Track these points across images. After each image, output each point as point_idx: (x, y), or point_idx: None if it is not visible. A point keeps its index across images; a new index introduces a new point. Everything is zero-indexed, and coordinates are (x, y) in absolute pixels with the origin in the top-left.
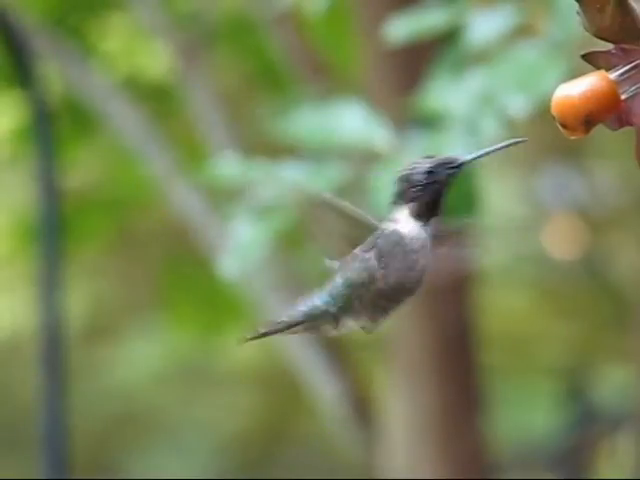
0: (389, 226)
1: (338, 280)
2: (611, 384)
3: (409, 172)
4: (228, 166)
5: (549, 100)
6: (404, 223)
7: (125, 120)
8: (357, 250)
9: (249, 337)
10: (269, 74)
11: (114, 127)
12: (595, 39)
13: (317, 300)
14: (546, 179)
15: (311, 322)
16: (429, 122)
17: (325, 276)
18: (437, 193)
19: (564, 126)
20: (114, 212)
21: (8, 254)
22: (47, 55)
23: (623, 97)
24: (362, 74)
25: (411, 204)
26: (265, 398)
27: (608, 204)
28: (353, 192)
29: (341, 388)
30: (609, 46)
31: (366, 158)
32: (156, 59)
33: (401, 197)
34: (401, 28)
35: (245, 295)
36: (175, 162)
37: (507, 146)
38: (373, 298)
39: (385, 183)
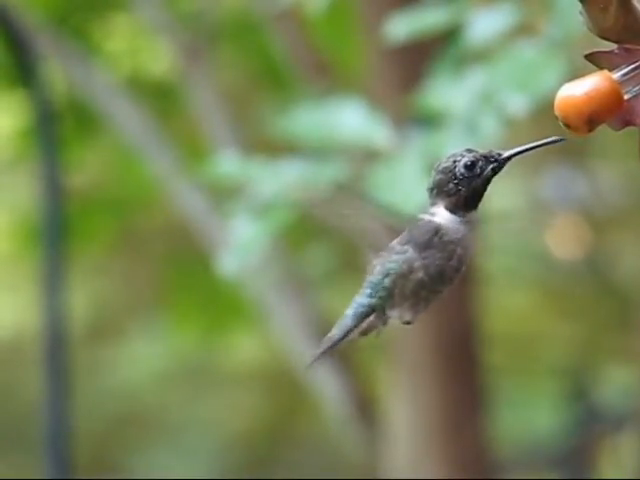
0: (425, 217)
1: (377, 273)
2: (614, 384)
3: (449, 165)
4: (229, 164)
5: (550, 98)
6: (440, 216)
7: (128, 119)
8: (393, 242)
9: (312, 361)
10: (271, 73)
11: (117, 126)
12: (598, 39)
13: (360, 299)
14: (549, 179)
15: (362, 323)
16: (429, 120)
17: (329, 276)
18: (476, 188)
19: (567, 126)
20: (117, 212)
21: (11, 254)
22: (50, 55)
23: (626, 97)
24: (363, 72)
25: (449, 197)
26: (268, 398)
27: (611, 204)
28: (353, 190)
29: (344, 388)
30: (612, 46)
31: (366, 156)
32: (159, 58)
33: (439, 189)
34: (402, 27)
35: (247, 295)
36: (178, 161)
37: (548, 144)
38: (414, 289)
39: (386, 181)
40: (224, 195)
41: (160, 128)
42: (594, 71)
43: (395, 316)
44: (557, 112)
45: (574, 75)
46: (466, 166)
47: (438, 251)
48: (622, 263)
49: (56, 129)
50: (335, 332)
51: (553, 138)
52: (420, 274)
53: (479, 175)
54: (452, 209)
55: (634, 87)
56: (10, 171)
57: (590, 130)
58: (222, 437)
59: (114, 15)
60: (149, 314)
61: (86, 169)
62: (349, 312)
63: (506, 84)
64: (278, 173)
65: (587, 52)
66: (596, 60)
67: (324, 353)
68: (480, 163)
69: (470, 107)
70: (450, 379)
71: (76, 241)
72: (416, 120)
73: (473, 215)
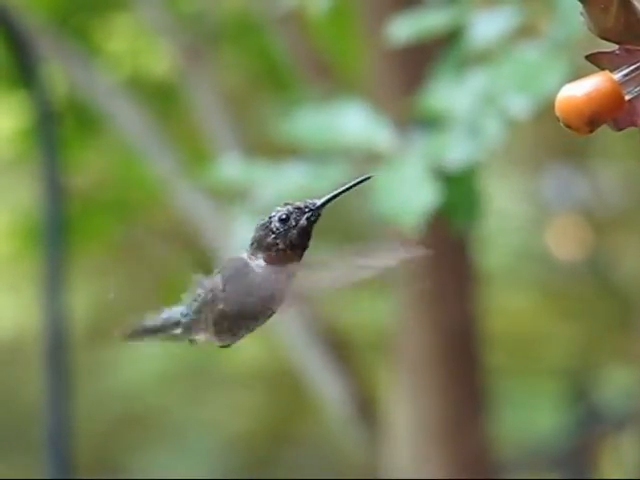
0: (241, 255)
1: (192, 296)
2: (615, 385)
3: (265, 221)
4: (231, 167)
5: (551, 100)
6: (257, 263)
7: (129, 120)
8: (214, 271)
9: (118, 333)
10: (273, 74)
11: (118, 127)
12: (599, 40)
13: (177, 310)
14: (550, 180)
15: (170, 329)
16: (431, 123)
17: None
18: (293, 239)
19: (568, 126)
20: (118, 213)
21: (12, 254)
22: (51, 55)
23: (627, 98)
24: (365, 74)
25: (269, 251)
26: (269, 398)
27: (612, 205)
28: (355, 193)
29: (345, 388)
30: (613, 47)
31: (369, 159)
32: (160, 59)
33: (259, 245)
34: (404, 29)
35: None
36: (179, 162)
37: (357, 184)
38: (215, 317)
39: (388, 184)
40: (226, 196)
41: (161, 129)
42: (595, 72)
43: (202, 339)
44: (558, 113)
45: (576, 76)
46: (280, 220)
47: (242, 287)
48: (623, 264)
49: (57, 130)
50: (149, 323)
51: (364, 176)
52: (221, 305)
53: (295, 226)
54: (271, 261)
55: (635, 88)
56: (11, 172)
57: (591, 131)
58: (223, 437)
59: (115, 16)
60: (150, 315)
61: (87, 170)
62: (164, 315)
63: (508, 86)
64: (280, 176)
65: (588, 53)
66: (597, 61)
67: (134, 333)
68: (294, 215)
69: (472, 109)
70: (451, 379)
71: (77, 242)
72: (418, 122)
73: (293, 266)
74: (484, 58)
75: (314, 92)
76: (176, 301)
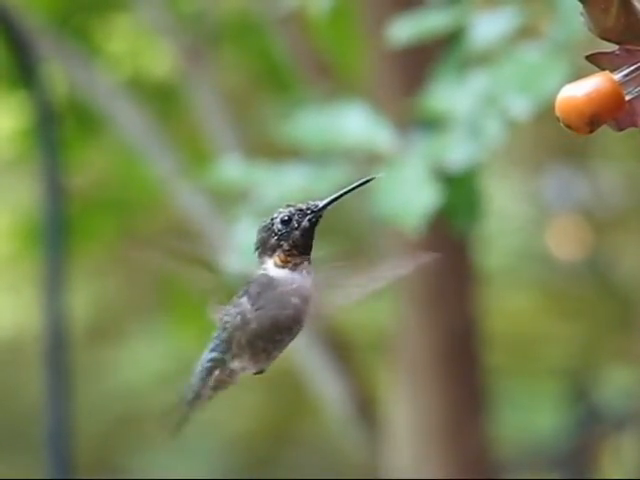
0: (258, 271)
1: (218, 328)
2: (615, 385)
3: (268, 223)
4: (232, 168)
5: (552, 101)
6: (270, 270)
7: (129, 121)
8: (234, 297)
9: (174, 429)
10: (273, 75)
11: (118, 128)
12: (599, 40)
13: (205, 355)
14: (550, 180)
15: (208, 379)
16: (432, 124)
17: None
18: (296, 240)
19: (568, 127)
20: (118, 213)
21: (12, 254)
22: (52, 56)
23: (627, 98)
24: (366, 75)
25: (273, 253)
26: (269, 398)
27: (612, 205)
28: (355, 194)
29: (345, 389)
30: (613, 47)
31: (369, 160)
32: (160, 60)
33: (264, 247)
34: (404, 30)
35: None
36: (179, 163)
37: (360, 186)
38: (250, 339)
39: (389, 185)
40: (226, 197)
41: (161, 129)
42: (596, 72)
43: (238, 368)
44: (558, 113)
45: (577, 77)
46: (283, 221)
47: (271, 302)
48: (623, 264)
49: (57, 130)
50: (187, 394)
51: (366, 178)
52: (253, 325)
53: (297, 228)
54: (279, 264)
55: (635, 88)
56: (11, 172)
57: (591, 131)
58: (223, 438)
59: (115, 16)
60: (150, 315)
61: (87, 170)
62: (196, 370)
63: (509, 87)
64: (281, 177)
65: (588, 53)
66: (597, 61)
67: (184, 417)
68: (296, 217)
69: (473, 110)
70: (450, 380)
71: (77, 242)
72: (419, 123)
73: (305, 265)
74: (485, 59)
75: (315, 93)
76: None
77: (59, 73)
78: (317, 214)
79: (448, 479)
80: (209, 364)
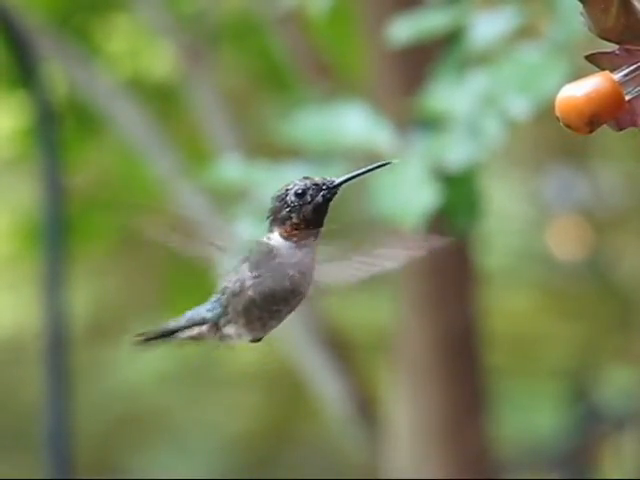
0: (263, 240)
1: (218, 291)
2: (615, 385)
3: (282, 193)
4: (232, 168)
5: (552, 101)
6: (275, 240)
7: (129, 121)
8: (237, 262)
9: (134, 340)
10: (273, 75)
11: (118, 128)
12: (599, 40)
13: (201, 308)
14: (550, 180)
15: (194, 328)
16: (432, 123)
17: None
18: (306, 215)
19: (568, 126)
20: (118, 213)
21: (12, 254)
22: (51, 56)
23: (627, 98)
24: (365, 75)
25: (282, 224)
26: (269, 398)
27: (612, 205)
28: (355, 194)
29: (345, 388)
30: (613, 47)
31: (369, 159)
32: (160, 60)
33: (274, 217)
34: (404, 29)
35: None
36: (179, 163)
37: (379, 167)
38: (245, 306)
39: (388, 184)
40: (226, 197)
41: (161, 129)
42: (595, 72)
43: (232, 333)
44: (558, 113)
45: (576, 77)
46: (296, 194)
47: (270, 272)
48: (623, 264)
49: (57, 130)
50: (168, 325)
51: (383, 162)
52: (250, 292)
53: (309, 202)
54: (285, 235)
55: (635, 88)
56: (11, 171)
57: (591, 131)
58: (223, 438)
59: (115, 16)
60: (150, 315)
61: (87, 170)
62: (187, 315)
63: (508, 87)
64: (280, 176)
65: (588, 53)
66: (597, 61)
67: (150, 338)
68: (311, 191)
69: (472, 110)
70: (451, 379)
71: (77, 242)
72: (418, 123)
73: (310, 241)
74: (484, 59)
75: (314, 93)
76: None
77: (59, 73)
78: (332, 190)
79: (448, 479)
80: (199, 318)
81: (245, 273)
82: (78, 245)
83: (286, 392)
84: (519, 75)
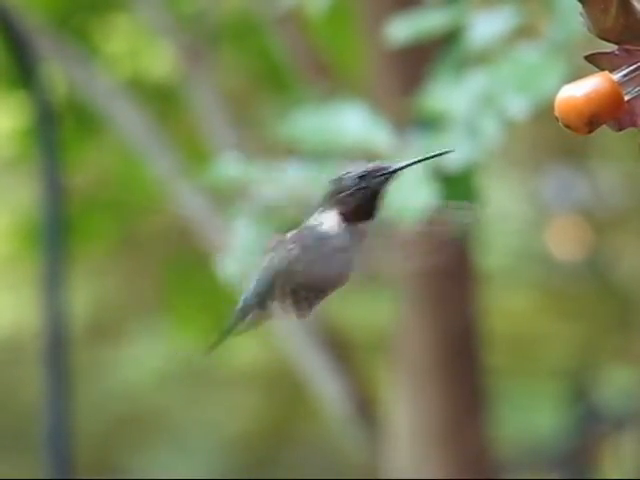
0: (315, 221)
1: (264, 268)
2: (615, 385)
3: (342, 176)
4: (230, 167)
5: (551, 101)
6: (329, 222)
7: (129, 121)
8: (285, 239)
9: (212, 346)
10: (272, 75)
11: (118, 128)
12: (598, 40)
13: (247, 291)
14: (550, 180)
15: (248, 315)
16: (430, 123)
17: None
18: (365, 199)
19: (567, 127)
20: (118, 213)
21: (12, 254)
22: (51, 56)
23: (627, 98)
24: (364, 75)
25: (340, 207)
26: (269, 398)
27: (612, 205)
28: None
29: (344, 388)
30: (612, 47)
31: (367, 159)
32: (160, 60)
33: (332, 199)
34: (402, 29)
35: None
36: (179, 163)
37: (436, 155)
38: (293, 287)
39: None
40: (226, 197)
41: (161, 129)
42: (595, 72)
43: (280, 310)
44: (557, 113)
45: (575, 77)
46: (356, 178)
47: (320, 255)
48: (623, 264)
49: (56, 130)
50: (230, 322)
51: (443, 150)
52: (299, 274)
53: (368, 187)
54: (341, 219)
55: (634, 88)
56: (10, 172)
57: (590, 131)
58: (222, 438)
59: (115, 16)
60: (150, 315)
61: (87, 170)
62: (239, 305)
63: (507, 86)
64: (279, 176)
65: (587, 53)
66: (596, 61)
67: (220, 341)
68: (370, 175)
69: (471, 110)
70: (450, 380)
71: (77, 242)
72: (417, 123)
73: (364, 226)
74: (483, 59)
75: (313, 92)
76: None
77: (59, 73)
78: (391, 176)
79: (448, 479)
80: (250, 301)
81: (295, 253)
82: (78, 245)
83: (286, 392)
84: (518, 75)
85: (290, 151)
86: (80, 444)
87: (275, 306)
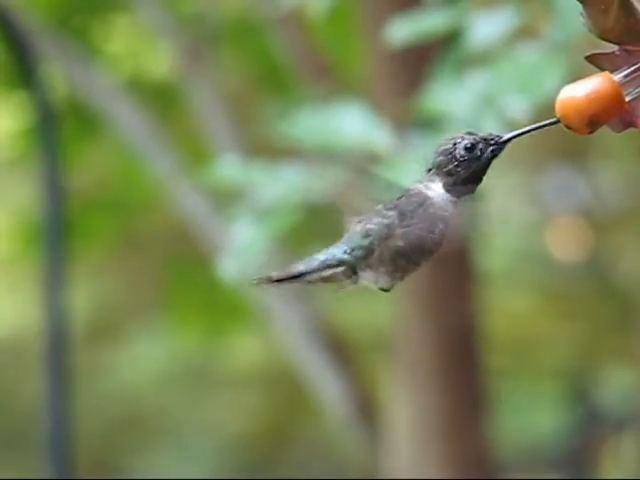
0: (417, 188)
1: (357, 232)
2: (615, 386)
3: (449, 147)
4: (230, 168)
5: (551, 101)
6: (434, 191)
7: (129, 121)
8: (380, 206)
9: (261, 280)
10: (272, 75)
11: (118, 128)
12: (599, 40)
13: (335, 250)
14: (550, 180)
15: (327, 270)
16: (430, 124)
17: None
18: (476, 170)
19: (568, 127)
20: (118, 213)
21: (13, 254)
22: (51, 56)
23: (627, 99)
24: (364, 76)
25: (447, 178)
26: (269, 399)
27: (612, 205)
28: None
29: (345, 389)
30: (613, 47)
31: (368, 160)
32: (160, 60)
33: (439, 170)
34: (403, 30)
35: (248, 296)
36: (179, 163)
37: (546, 125)
38: (392, 254)
39: (385, 184)
40: (225, 197)
41: (161, 130)
42: (595, 73)
43: (368, 278)
44: (558, 114)
45: (576, 77)
46: (466, 148)
47: (421, 222)
48: (623, 265)
49: (57, 130)
50: (299, 267)
51: (552, 120)
52: (399, 241)
53: (479, 157)
54: (448, 189)
55: (635, 89)
56: (11, 172)
57: (591, 131)
58: (223, 438)
59: (115, 17)
60: (150, 316)
61: (87, 170)
62: (319, 256)
63: (507, 87)
64: (279, 176)
65: (587, 53)
66: (597, 61)
67: (278, 280)
68: (480, 145)
69: (471, 110)
70: (451, 380)
71: (77, 242)
72: (417, 123)
73: (467, 197)
74: (483, 59)
75: (314, 93)
76: None
77: (59, 73)
78: (501, 146)
79: (448, 479)
80: (335, 260)
81: (394, 220)
82: (78, 245)
83: (286, 393)
84: (518, 75)
85: (291, 151)
86: (80, 444)
87: (365, 274)
